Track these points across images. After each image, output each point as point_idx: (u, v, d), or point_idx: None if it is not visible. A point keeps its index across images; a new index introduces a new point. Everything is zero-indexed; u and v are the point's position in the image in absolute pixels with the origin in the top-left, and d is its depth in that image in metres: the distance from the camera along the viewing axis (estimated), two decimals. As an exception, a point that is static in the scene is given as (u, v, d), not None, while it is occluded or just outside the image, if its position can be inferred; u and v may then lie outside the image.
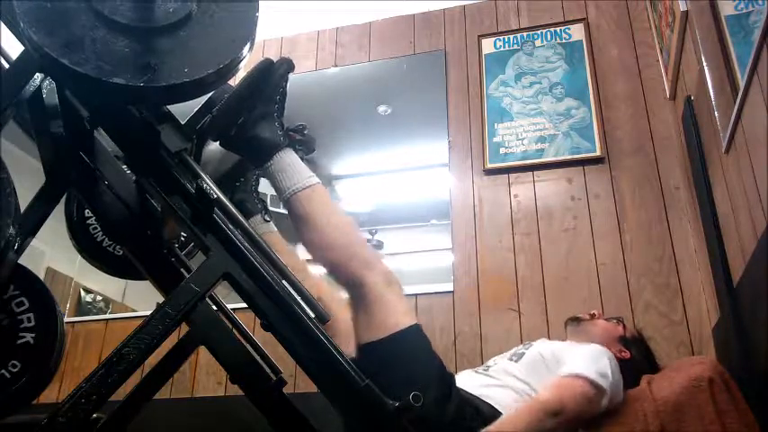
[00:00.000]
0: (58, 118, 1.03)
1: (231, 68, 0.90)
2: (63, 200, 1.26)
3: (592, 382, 1.47)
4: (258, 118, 1.24)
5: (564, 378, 1.49)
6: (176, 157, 0.94)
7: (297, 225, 1.27)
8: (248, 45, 0.92)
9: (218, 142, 1.29)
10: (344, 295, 1.31)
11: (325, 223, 1.24)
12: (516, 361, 1.61)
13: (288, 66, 1.28)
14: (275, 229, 1.51)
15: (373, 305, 1.19)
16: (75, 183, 1.11)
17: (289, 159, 1.25)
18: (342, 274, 1.24)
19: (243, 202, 1.45)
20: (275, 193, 1.31)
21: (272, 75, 1.26)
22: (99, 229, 1.33)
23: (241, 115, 1.23)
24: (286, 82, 1.28)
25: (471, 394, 1.38)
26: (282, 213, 1.35)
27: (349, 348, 1.22)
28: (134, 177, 1.08)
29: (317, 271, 1.46)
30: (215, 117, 1.22)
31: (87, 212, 1.34)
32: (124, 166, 1.12)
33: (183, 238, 1.36)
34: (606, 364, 1.53)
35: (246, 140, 1.24)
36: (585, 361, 1.53)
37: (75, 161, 1.06)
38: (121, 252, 1.31)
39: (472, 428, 1.23)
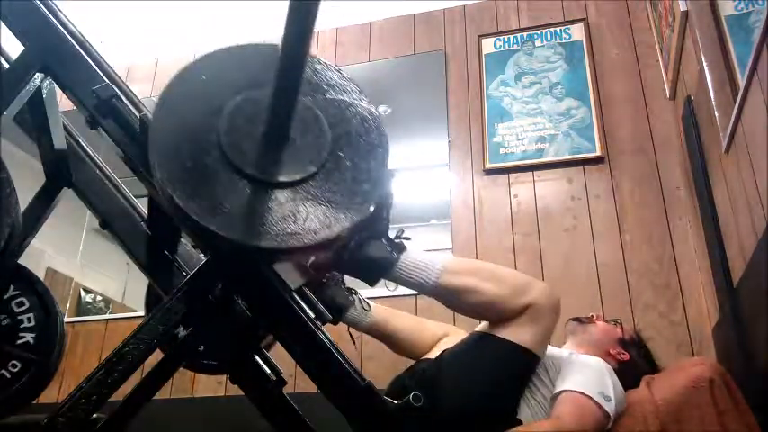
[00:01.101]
0: (58, 118, 1.03)
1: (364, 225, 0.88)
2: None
3: (600, 407, 1.46)
4: (367, 238, 1.27)
5: (576, 396, 1.47)
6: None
7: (453, 302, 1.38)
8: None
9: None
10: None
11: (475, 286, 1.33)
12: None
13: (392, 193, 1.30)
14: (376, 305, 1.56)
15: (534, 322, 1.34)
16: (76, 183, 1.11)
17: (408, 261, 1.30)
18: (514, 311, 1.34)
19: (334, 299, 1.45)
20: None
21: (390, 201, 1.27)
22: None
23: (352, 239, 1.25)
24: (393, 198, 1.29)
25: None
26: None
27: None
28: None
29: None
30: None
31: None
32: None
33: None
34: (609, 385, 1.52)
35: (358, 263, 1.27)
36: (589, 381, 1.51)
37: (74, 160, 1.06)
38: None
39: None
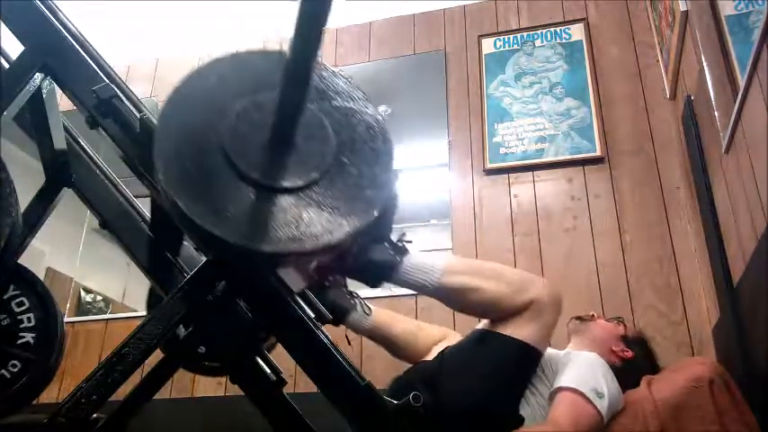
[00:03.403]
0: (58, 118, 1.04)
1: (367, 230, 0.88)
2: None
3: (592, 404, 1.46)
4: (370, 242, 1.28)
5: (571, 396, 1.47)
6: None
7: (455, 301, 1.39)
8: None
9: None
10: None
11: (476, 286, 1.34)
12: None
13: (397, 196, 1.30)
14: (376, 309, 1.56)
15: (536, 318, 1.34)
16: (76, 183, 1.11)
17: (410, 265, 1.31)
18: (517, 309, 1.34)
19: (336, 303, 1.46)
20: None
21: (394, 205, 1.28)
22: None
23: (355, 244, 1.25)
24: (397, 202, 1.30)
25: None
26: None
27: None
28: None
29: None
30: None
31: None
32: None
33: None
34: (602, 383, 1.52)
35: (362, 267, 1.29)
36: (581, 377, 1.52)
37: (74, 160, 1.06)
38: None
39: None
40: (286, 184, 0.79)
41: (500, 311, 1.36)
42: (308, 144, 0.82)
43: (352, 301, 1.50)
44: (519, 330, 1.34)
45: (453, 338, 1.57)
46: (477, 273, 1.37)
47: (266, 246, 0.75)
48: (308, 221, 0.78)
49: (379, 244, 1.29)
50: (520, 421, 1.36)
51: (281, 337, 0.97)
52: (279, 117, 0.78)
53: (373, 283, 1.32)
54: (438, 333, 1.63)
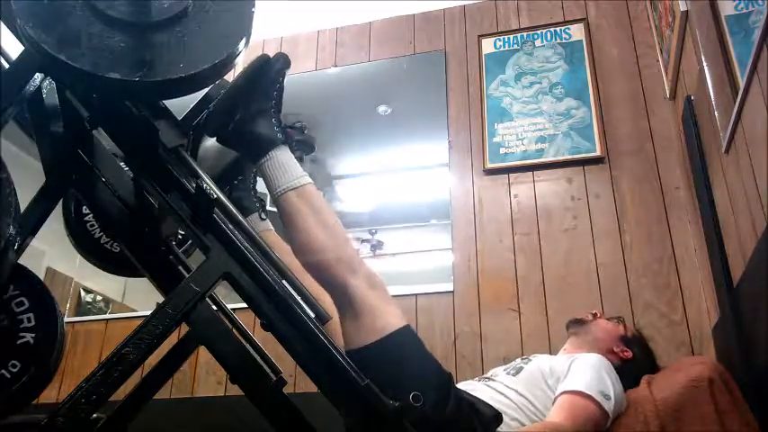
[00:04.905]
0: (58, 118, 1.03)
1: (227, 64, 0.90)
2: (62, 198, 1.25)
3: (599, 406, 1.46)
4: (255, 114, 1.23)
5: (573, 398, 1.47)
6: (173, 153, 0.94)
7: (285, 226, 1.25)
8: (244, 40, 0.92)
9: (214, 139, 1.29)
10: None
11: (312, 224, 1.21)
12: (514, 375, 1.60)
13: (284, 61, 1.28)
14: (272, 227, 1.50)
15: (359, 310, 1.16)
16: (76, 182, 1.10)
17: (283, 158, 1.24)
18: (326, 278, 1.21)
19: (240, 200, 1.44)
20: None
21: (269, 71, 1.25)
22: (96, 226, 1.33)
23: (238, 111, 1.22)
24: (283, 78, 1.28)
25: (472, 395, 1.38)
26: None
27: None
28: (132, 175, 1.08)
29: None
30: (212, 113, 1.22)
31: (85, 210, 1.34)
32: (123, 164, 1.12)
33: (180, 236, 1.36)
34: (608, 383, 1.52)
35: (243, 136, 1.23)
36: (587, 380, 1.51)
37: (74, 160, 1.06)
38: (119, 249, 1.30)
39: (472, 429, 1.23)
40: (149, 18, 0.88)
41: (313, 267, 1.22)
42: None
43: (256, 204, 1.47)
44: (382, 321, 1.17)
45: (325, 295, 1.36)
46: (319, 216, 1.22)
47: (154, 76, 0.83)
48: (187, 49, 0.87)
49: (266, 119, 1.24)
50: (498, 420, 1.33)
51: (280, 336, 0.97)
52: None
53: (250, 156, 1.26)
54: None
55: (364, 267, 1.22)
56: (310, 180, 1.26)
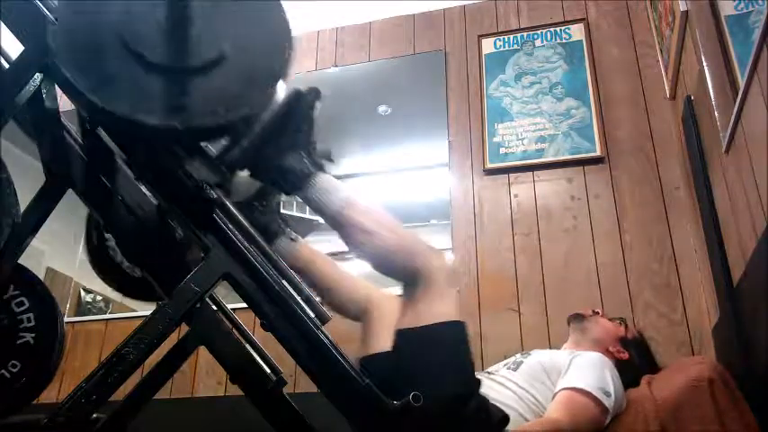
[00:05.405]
0: (58, 118, 1.03)
1: (263, 108, 0.93)
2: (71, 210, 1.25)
3: (598, 403, 1.47)
4: (286, 148, 1.25)
5: (573, 394, 1.48)
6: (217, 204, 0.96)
7: (350, 237, 1.29)
8: (280, 83, 0.92)
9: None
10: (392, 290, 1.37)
11: (377, 227, 1.26)
12: (515, 369, 1.61)
13: (316, 95, 1.29)
14: (302, 239, 1.52)
15: (434, 293, 1.21)
16: (75, 183, 1.10)
17: (321, 183, 1.27)
18: (407, 269, 1.25)
19: (267, 226, 1.44)
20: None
21: (301, 105, 1.27)
22: (118, 251, 1.31)
23: (270, 146, 1.23)
24: (314, 110, 1.29)
25: (485, 397, 1.38)
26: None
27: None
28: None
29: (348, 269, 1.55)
30: (245, 149, 1.22)
31: (107, 235, 1.33)
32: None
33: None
34: (609, 381, 1.52)
35: (276, 171, 1.25)
36: (589, 377, 1.52)
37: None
38: (140, 274, 1.29)
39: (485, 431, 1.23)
40: (184, 64, 0.88)
41: (388, 266, 1.28)
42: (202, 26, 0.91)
43: (282, 227, 1.48)
44: (449, 309, 1.23)
45: (378, 305, 1.47)
46: (378, 218, 1.29)
47: (191, 121, 0.83)
48: (204, 99, 0.86)
49: (296, 152, 1.26)
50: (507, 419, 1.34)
51: (280, 336, 0.97)
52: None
53: (285, 190, 1.28)
54: (361, 295, 1.53)
55: (442, 255, 1.29)
56: (351, 192, 1.30)
